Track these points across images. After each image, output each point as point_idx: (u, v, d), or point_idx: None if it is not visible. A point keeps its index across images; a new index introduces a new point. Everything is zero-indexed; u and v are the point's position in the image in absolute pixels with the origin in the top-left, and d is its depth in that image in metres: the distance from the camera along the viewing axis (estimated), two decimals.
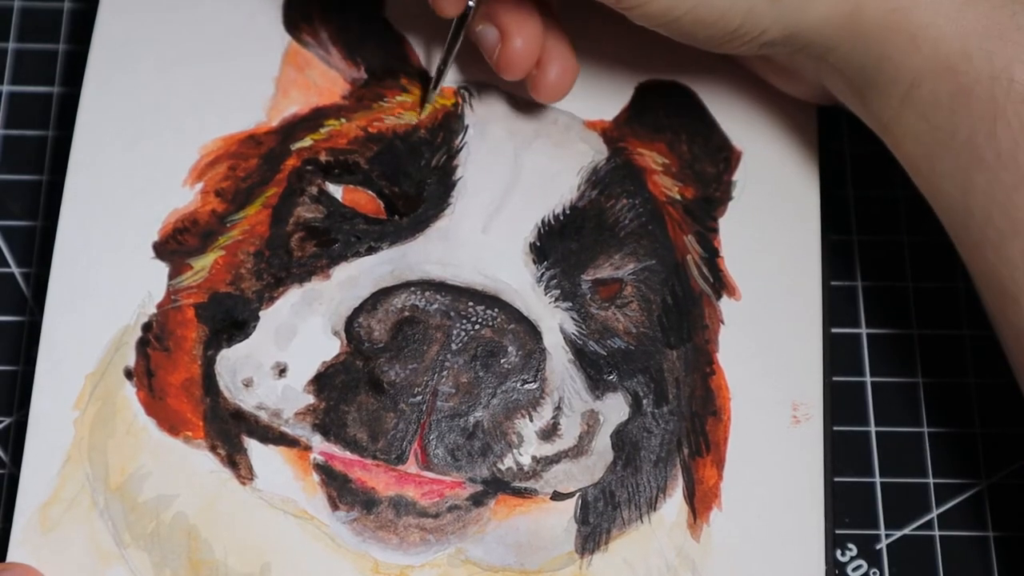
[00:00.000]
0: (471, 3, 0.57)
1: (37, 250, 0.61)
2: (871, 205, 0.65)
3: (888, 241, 0.64)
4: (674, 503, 0.56)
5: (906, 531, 0.59)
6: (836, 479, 0.58)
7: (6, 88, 0.64)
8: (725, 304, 0.59)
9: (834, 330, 0.59)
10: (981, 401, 0.61)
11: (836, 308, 0.62)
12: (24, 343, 0.60)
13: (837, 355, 0.61)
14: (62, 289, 0.57)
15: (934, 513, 0.60)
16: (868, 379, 0.62)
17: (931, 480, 0.60)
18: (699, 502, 0.56)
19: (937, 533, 0.59)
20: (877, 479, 0.60)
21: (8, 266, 0.61)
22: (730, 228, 0.61)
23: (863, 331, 0.63)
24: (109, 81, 0.60)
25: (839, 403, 0.60)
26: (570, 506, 0.56)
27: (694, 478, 0.56)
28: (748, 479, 0.56)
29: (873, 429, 0.61)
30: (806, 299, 0.59)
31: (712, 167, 0.62)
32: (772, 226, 0.61)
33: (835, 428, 0.58)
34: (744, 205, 0.61)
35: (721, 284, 0.60)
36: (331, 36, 0.62)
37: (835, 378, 0.59)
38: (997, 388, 0.61)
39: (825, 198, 0.61)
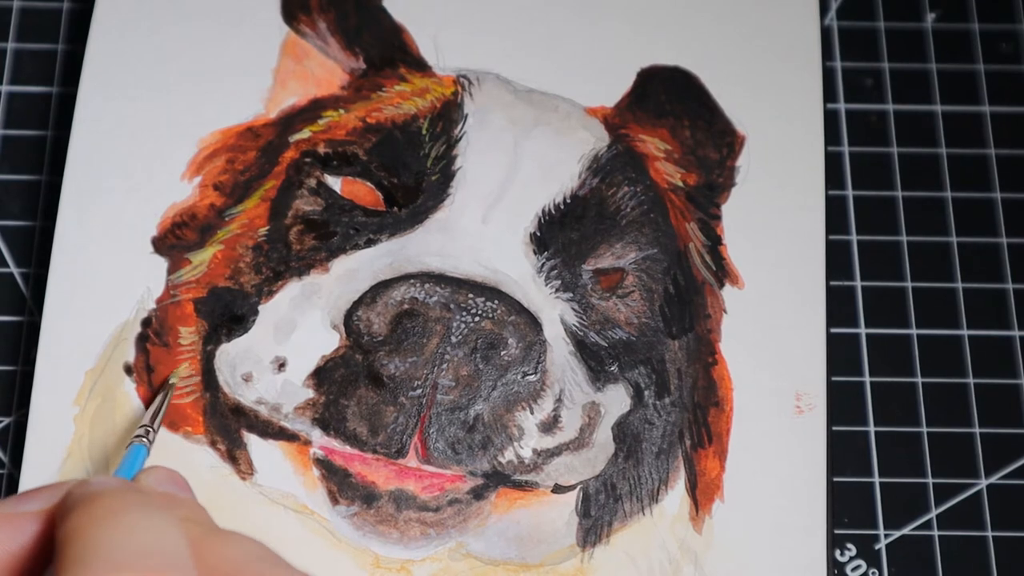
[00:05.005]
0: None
1: (36, 250, 0.61)
2: (871, 205, 0.64)
3: (888, 241, 0.63)
4: (676, 495, 0.56)
5: (905, 531, 0.59)
6: (835, 479, 0.57)
7: (5, 88, 0.64)
8: (728, 292, 0.59)
9: (833, 330, 0.59)
10: (980, 401, 0.61)
11: (836, 308, 0.61)
12: (23, 343, 0.60)
13: (836, 355, 0.60)
14: (61, 285, 0.57)
15: (933, 513, 0.59)
16: (867, 379, 0.61)
17: (930, 480, 0.60)
18: (701, 494, 0.56)
19: (936, 533, 0.59)
20: (876, 479, 0.59)
21: (7, 266, 0.61)
22: (733, 215, 0.60)
23: (862, 331, 0.62)
24: (106, 75, 0.60)
25: (838, 403, 0.60)
26: (571, 499, 0.55)
27: (696, 470, 0.56)
28: (751, 470, 0.56)
29: (872, 429, 0.60)
30: (810, 287, 0.59)
31: (715, 153, 0.61)
32: (776, 212, 0.60)
33: (834, 428, 0.58)
34: (748, 191, 0.60)
35: (724, 272, 0.59)
36: (329, 26, 0.62)
37: (834, 378, 0.59)
38: (996, 388, 0.61)
39: (825, 198, 0.61)
